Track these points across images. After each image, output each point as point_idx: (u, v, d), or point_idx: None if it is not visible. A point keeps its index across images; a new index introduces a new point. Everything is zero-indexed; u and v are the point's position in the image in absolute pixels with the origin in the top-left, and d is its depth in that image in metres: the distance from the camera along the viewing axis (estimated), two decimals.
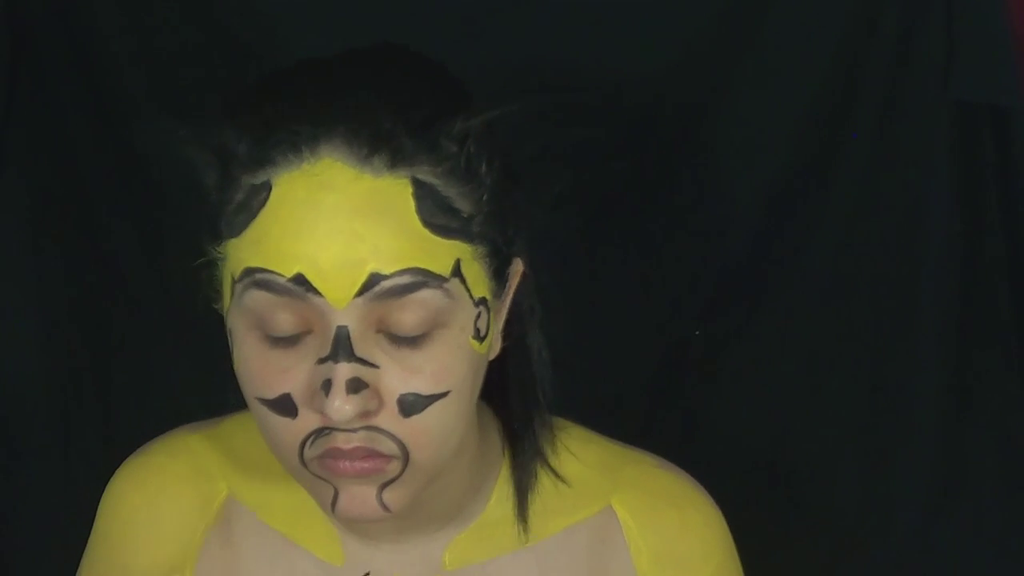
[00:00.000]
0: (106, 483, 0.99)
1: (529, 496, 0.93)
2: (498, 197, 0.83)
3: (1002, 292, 1.37)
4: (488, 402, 0.95)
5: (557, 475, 0.94)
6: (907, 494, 1.40)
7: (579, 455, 0.95)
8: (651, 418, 1.40)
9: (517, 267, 0.88)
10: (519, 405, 0.93)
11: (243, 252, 0.81)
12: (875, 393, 1.40)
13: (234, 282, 0.81)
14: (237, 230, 0.81)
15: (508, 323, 0.89)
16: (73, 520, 1.01)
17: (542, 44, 1.32)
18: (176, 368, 1.37)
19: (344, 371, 0.79)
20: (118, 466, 0.99)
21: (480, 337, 0.83)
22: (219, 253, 0.83)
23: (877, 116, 1.35)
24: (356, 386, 0.79)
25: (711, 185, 1.38)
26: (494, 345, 0.87)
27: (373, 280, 0.78)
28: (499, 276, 0.85)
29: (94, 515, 0.99)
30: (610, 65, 1.33)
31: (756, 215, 1.38)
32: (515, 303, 0.89)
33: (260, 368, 0.82)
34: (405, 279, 0.79)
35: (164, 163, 1.35)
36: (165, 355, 1.38)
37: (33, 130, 1.38)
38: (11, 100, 1.36)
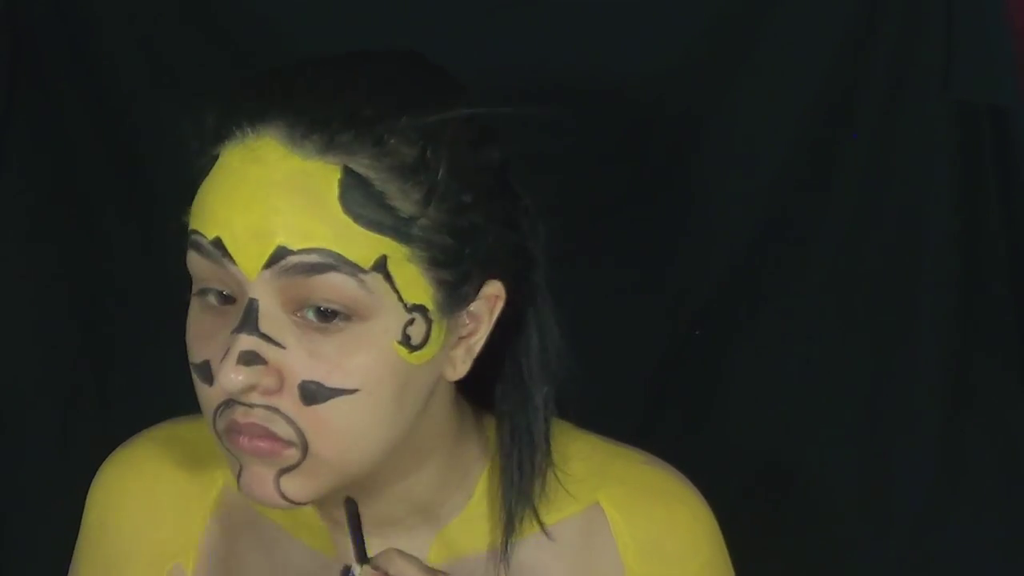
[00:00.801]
0: None
1: (516, 519, 0.92)
2: (457, 208, 0.82)
3: (1002, 292, 1.37)
4: (478, 402, 0.94)
5: (542, 526, 0.93)
6: (907, 494, 1.40)
7: (566, 453, 0.95)
8: (651, 418, 1.40)
9: (492, 289, 0.86)
10: (508, 445, 0.92)
11: (192, 216, 0.83)
12: (875, 393, 1.40)
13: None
14: (193, 196, 0.84)
15: (495, 352, 0.88)
16: (72, 519, 1.00)
17: (541, 47, 1.32)
18: (175, 368, 1.36)
19: (242, 342, 0.80)
20: None
21: (411, 345, 0.82)
22: (187, 219, 0.85)
23: (877, 116, 1.35)
24: (249, 359, 0.80)
25: (712, 185, 1.39)
26: (456, 366, 0.86)
27: (280, 253, 0.79)
28: (450, 289, 0.83)
29: None
30: (611, 67, 1.33)
31: (756, 215, 1.39)
32: (503, 332, 0.88)
33: (193, 333, 0.84)
34: (312, 258, 0.79)
35: (163, 163, 1.35)
36: (164, 355, 1.37)
37: (33, 130, 1.38)
38: (11, 100, 1.36)
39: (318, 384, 0.80)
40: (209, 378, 0.82)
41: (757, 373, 1.40)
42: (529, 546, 0.93)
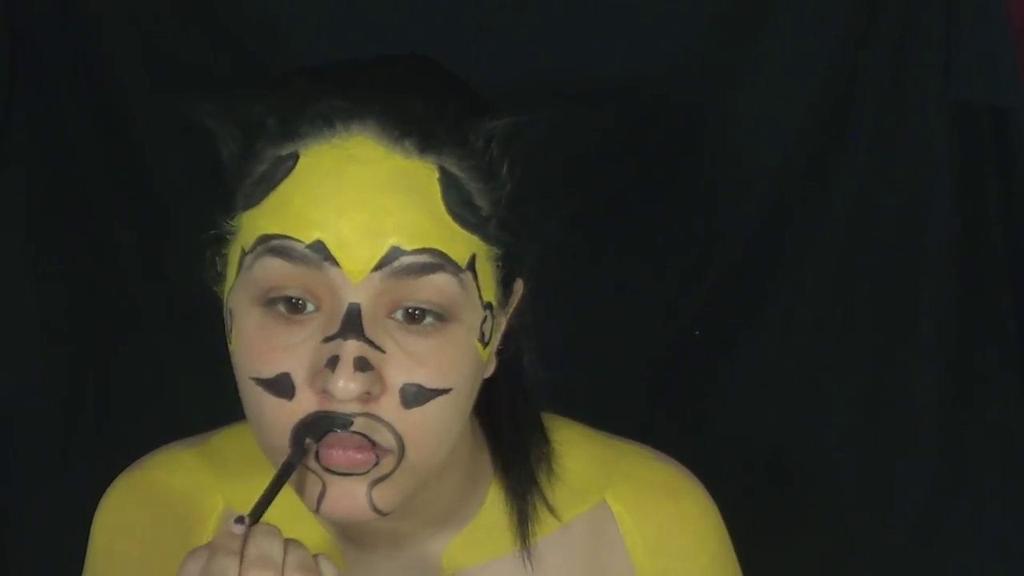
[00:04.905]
0: (105, 485, 0.98)
1: (529, 525, 0.93)
2: (513, 206, 0.83)
3: (1002, 292, 1.37)
4: (478, 416, 0.94)
5: (549, 506, 0.93)
6: (907, 494, 1.40)
7: (572, 452, 0.95)
8: (651, 418, 1.40)
9: (518, 287, 0.88)
10: (513, 433, 0.93)
11: (260, 221, 0.80)
12: (875, 393, 1.40)
13: (244, 254, 0.81)
14: (255, 200, 0.80)
15: (503, 343, 0.88)
16: (72, 521, 1.00)
17: (543, 46, 1.32)
18: (175, 369, 1.37)
19: (352, 348, 0.77)
20: (117, 468, 0.99)
21: (484, 341, 0.83)
22: (230, 226, 0.82)
23: (877, 116, 1.35)
24: (363, 365, 0.78)
25: (712, 185, 1.39)
26: (490, 362, 0.86)
27: (393, 254, 0.78)
28: (505, 287, 0.85)
29: (93, 516, 0.99)
30: (611, 66, 1.33)
31: (756, 215, 1.39)
32: (510, 324, 0.88)
33: (259, 345, 0.80)
34: (424, 258, 0.78)
35: (165, 165, 1.35)
36: (164, 356, 1.37)
37: (33, 130, 1.37)
38: (11, 100, 1.36)
39: (419, 387, 0.79)
40: (289, 391, 0.79)
41: (757, 372, 1.40)
42: (541, 548, 0.93)
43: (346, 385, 0.77)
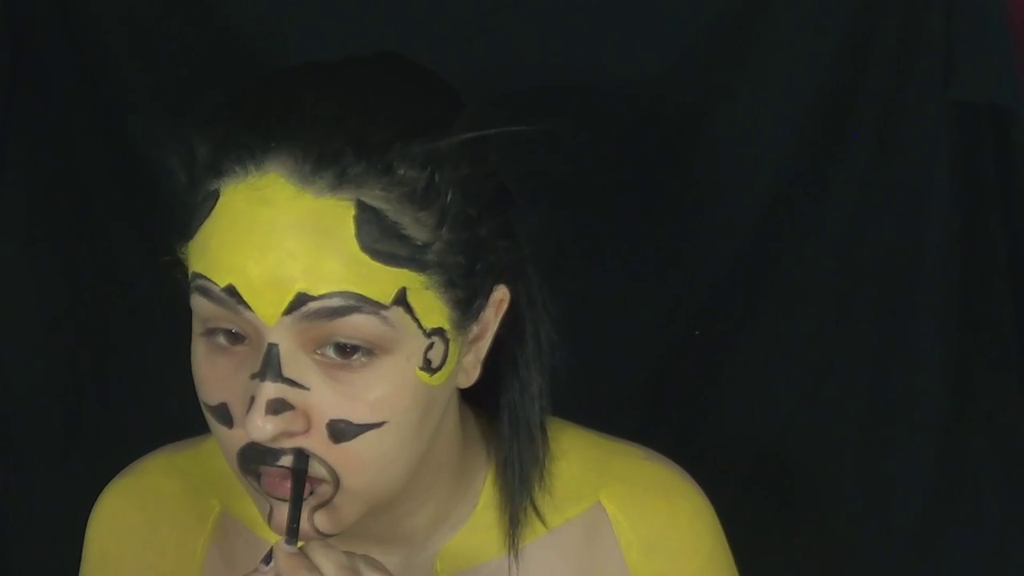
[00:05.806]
0: (105, 485, 0.98)
1: (519, 529, 0.93)
2: (466, 225, 0.81)
3: (1002, 292, 1.37)
4: (474, 407, 0.94)
5: (539, 513, 0.93)
6: (907, 494, 1.40)
7: (566, 453, 0.95)
8: (651, 418, 1.40)
9: (501, 295, 0.86)
10: (509, 438, 0.92)
11: (193, 256, 0.81)
12: (875, 393, 1.40)
13: (189, 284, 0.82)
14: (191, 233, 0.81)
15: (498, 352, 0.88)
16: (72, 522, 1.01)
17: (541, 47, 1.32)
18: (175, 368, 1.36)
19: (267, 391, 0.78)
20: (117, 468, 0.99)
21: (431, 369, 0.81)
22: (183, 254, 0.83)
23: (877, 116, 1.35)
24: (277, 407, 0.78)
25: (712, 185, 1.38)
26: (468, 373, 0.86)
27: (300, 300, 0.77)
28: (464, 306, 0.83)
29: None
30: (611, 67, 1.33)
31: (756, 215, 1.38)
32: (502, 332, 0.88)
33: (205, 373, 0.82)
34: (335, 302, 0.77)
35: (165, 164, 1.35)
36: (164, 355, 1.37)
37: (33, 130, 1.37)
38: (11, 100, 1.36)
39: (346, 422, 0.79)
40: (228, 420, 0.81)
41: (757, 372, 1.40)
42: (535, 550, 0.93)
43: (262, 427, 0.78)
